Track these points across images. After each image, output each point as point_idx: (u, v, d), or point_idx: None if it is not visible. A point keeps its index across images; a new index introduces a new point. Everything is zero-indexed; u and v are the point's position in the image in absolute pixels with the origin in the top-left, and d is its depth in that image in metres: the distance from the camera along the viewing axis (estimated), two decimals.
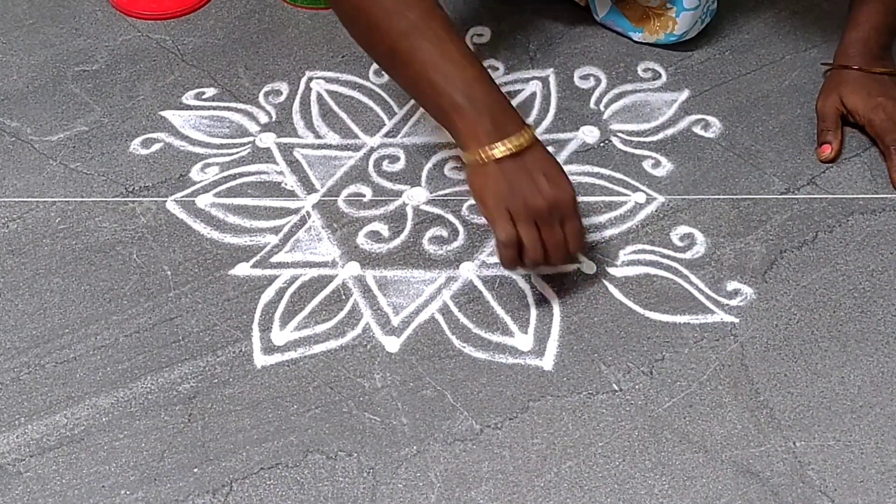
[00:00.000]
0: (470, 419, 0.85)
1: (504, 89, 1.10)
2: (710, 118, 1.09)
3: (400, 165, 1.05)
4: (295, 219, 1.00)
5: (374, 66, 1.15)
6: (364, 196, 1.02)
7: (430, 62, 0.86)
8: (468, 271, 0.95)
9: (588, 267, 0.95)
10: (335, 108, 1.11)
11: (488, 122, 0.85)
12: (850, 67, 1.04)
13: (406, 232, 0.99)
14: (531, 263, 0.87)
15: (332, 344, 0.90)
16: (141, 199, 1.02)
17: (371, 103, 1.11)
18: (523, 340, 0.90)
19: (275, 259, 0.96)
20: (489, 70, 1.13)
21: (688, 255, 0.96)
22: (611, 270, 0.95)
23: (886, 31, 1.05)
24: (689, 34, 1.14)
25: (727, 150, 1.05)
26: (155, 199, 1.02)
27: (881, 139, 1.02)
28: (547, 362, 0.88)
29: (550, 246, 0.87)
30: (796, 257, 0.95)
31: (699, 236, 0.97)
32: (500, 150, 0.85)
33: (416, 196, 1.02)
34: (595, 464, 0.82)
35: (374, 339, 0.90)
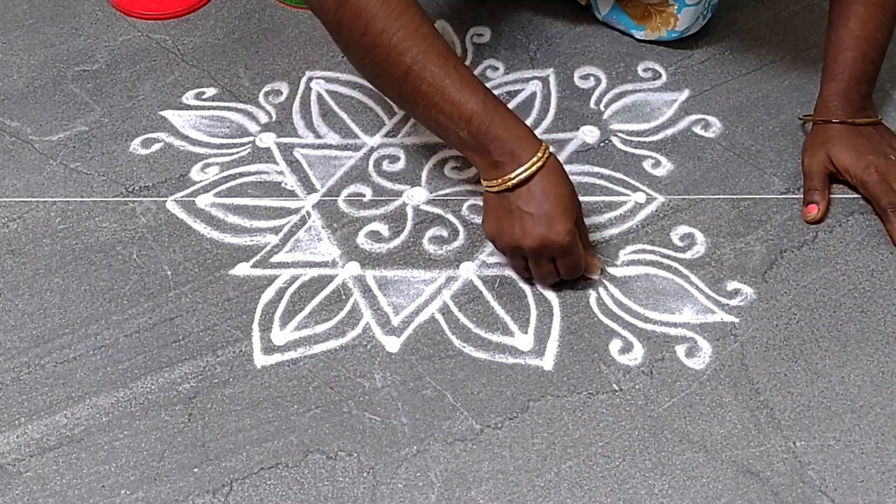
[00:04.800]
0: (470, 419, 0.85)
1: (504, 89, 1.12)
2: (710, 118, 1.09)
3: (400, 165, 1.05)
4: (295, 219, 1.00)
5: None
6: (364, 196, 1.02)
7: (433, 103, 0.86)
8: (468, 271, 0.95)
9: None
10: (335, 107, 1.11)
11: (491, 157, 0.87)
12: (833, 121, 0.99)
13: (406, 232, 0.99)
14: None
15: (332, 344, 0.90)
16: (141, 199, 1.02)
17: (371, 103, 1.11)
18: (523, 340, 0.90)
19: (275, 259, 0.96)
20: (491, 68, 1.14)
21: (688, 255, 0.96)
22: (611, 270, 0.95)
23: (866, 81, 1.00)
24: (691, 30, 1.14)
25: (727, 150, 1.05)
26: (155, 199, 1.02)
27: (876, 202, 0.97)
28: (547, 362, 0.88)
29: (538, 277, 0.91)
30: (796, 257, 0.95)
31: (699, 236, 0.97)
32: (492, 187, 0.88)
33: (416, 196, 1.02)
34: (595, 464, 0.82)
35: (375, 338, 0.90)
